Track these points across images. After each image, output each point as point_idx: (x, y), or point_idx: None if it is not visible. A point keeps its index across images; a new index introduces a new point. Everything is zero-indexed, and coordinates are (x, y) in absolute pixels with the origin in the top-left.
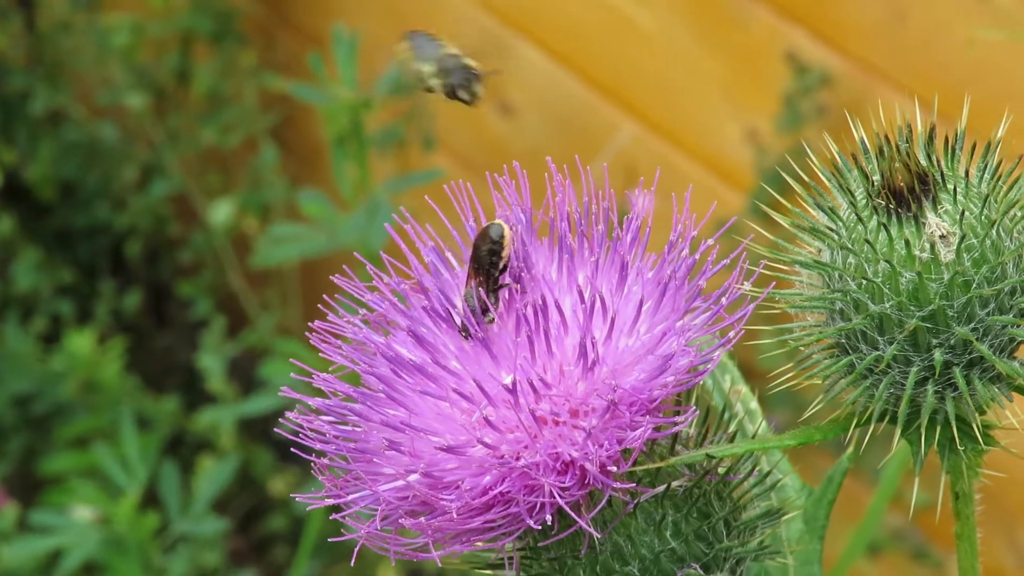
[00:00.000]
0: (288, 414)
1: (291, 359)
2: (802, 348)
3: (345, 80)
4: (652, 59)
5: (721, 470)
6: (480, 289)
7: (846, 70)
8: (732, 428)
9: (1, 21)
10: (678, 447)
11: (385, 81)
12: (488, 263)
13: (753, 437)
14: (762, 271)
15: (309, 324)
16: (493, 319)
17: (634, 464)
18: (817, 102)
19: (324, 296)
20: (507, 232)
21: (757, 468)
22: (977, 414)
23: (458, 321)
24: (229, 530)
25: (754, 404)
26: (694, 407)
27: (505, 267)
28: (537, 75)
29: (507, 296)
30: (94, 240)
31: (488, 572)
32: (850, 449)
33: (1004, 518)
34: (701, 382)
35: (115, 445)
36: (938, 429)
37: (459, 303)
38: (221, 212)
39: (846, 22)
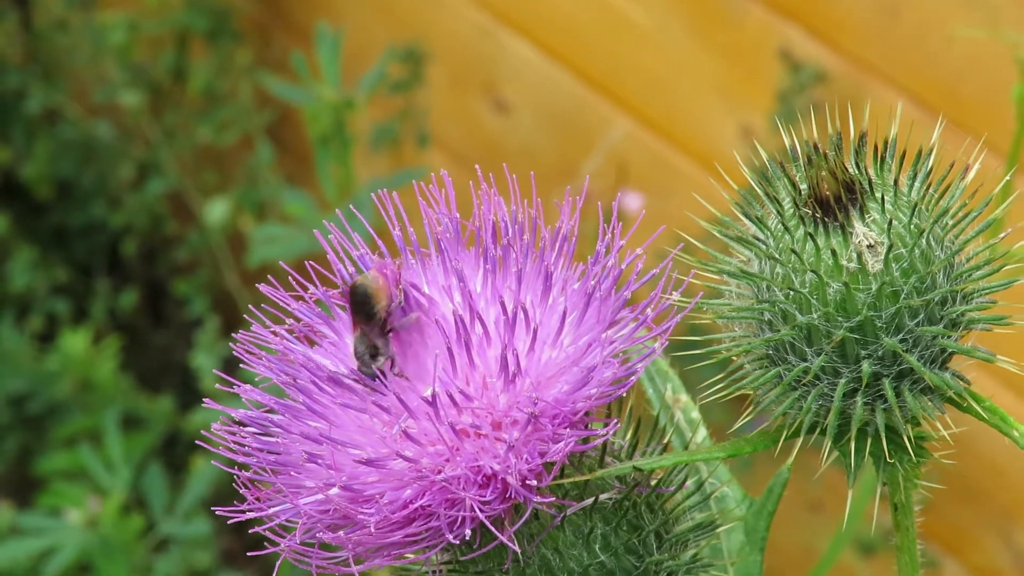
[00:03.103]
0: (213, 426)
1: (215, 370)
2: (734, 358)
3: (328, 79)
4: (646, 56)
5: (654, 482)
6: (368, 335)
7: (840, 66)
8: (669, 438)
9: None
10: (608, 459)
11: (369, 80)
12: (366, 314)
13: (686, 448)
14: (700, 282)
15: (232, 335)
16: (382, 364)
17: (560, 477)
18: (811, 99)
19: (250, 306)
20: (376, 285)
21: (692, 479)
22: (910, 426)
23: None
24: (224, 530)
25: (695, 414)
26: (616, 420)
27: (388, 313)
28: (531, 72)
29: (428, 305)
30: (90, 239)
31: None
32: (790, 460)
33: (999, 518)
34: (640, 391)
35: (103, 446)
36: (869, 441)
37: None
38: (217, 211)
39: (839, 18)
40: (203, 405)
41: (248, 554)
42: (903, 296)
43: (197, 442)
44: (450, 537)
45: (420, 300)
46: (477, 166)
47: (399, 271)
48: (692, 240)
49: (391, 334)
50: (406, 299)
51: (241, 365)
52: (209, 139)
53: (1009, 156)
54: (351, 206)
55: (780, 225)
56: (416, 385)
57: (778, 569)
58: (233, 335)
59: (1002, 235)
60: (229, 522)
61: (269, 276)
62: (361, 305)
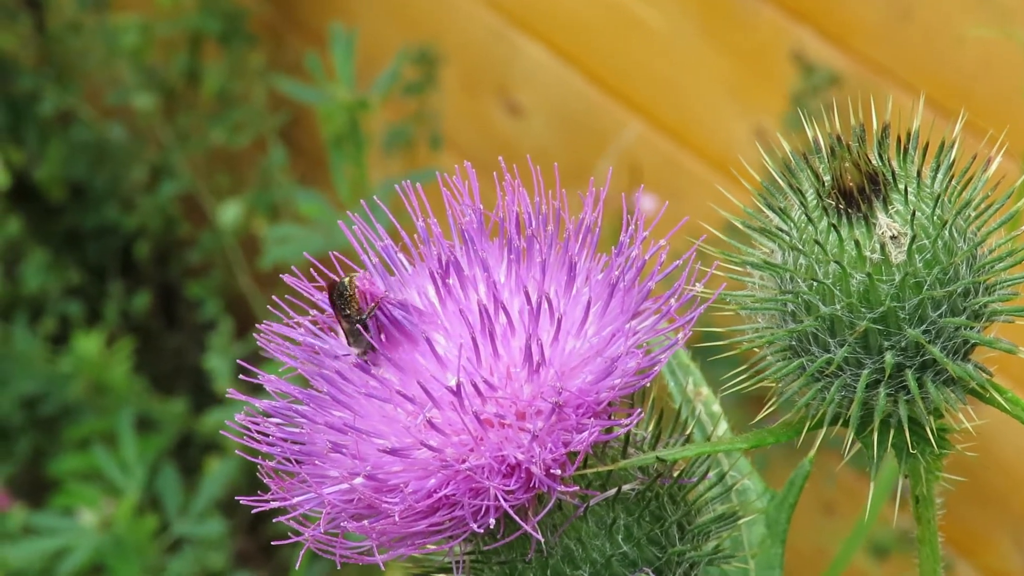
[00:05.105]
0: (237, 416)
1: (239, 359)
2: (756, 350)
3: (343, 79)
4: (659, 58)
5: (676, 473)
6: (345, 330)
7: (853, 69)
8: (691, 430)
9: (10, 22)
10: (631, 450)
11: (383, 80)
12: (343, 311)
13: (708, 439)
14: (724, 273)
15: (257, 325)
16: (361, 353)
17: (584, 467)
18: (825, 101)
19: (273, 297)
20: (352, 291)
21: (713, 471)
22: (932, 417)
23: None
24: (238, 531)
25: (716, 407)
26: (639, 409)
27: (359, 313)
28: (544, 75)
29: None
30: (103, 241)
31: None
32: (812, 452)
33: (1011, 520)
34: (661, 384)
35: (117, 447)
36: (891, 432)
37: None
38: (230, 213)
39: (852, 21)
40: (219, 405)
41: (275, 543)
42: (926, 287)
43: (221, 432)
44: (474, 526)
45: (399, 320)
46: (500, 157)
47: (374, 291)
48: (715, 231)
49: (365, 335)
50: (388, 318)
51: (264, 354)
52: (222, 141)
53: None
54: (381, 204)
55: (803, 216)
56: (440, 374)
57: (793, 570)
58: (256, 325)
59: (1022, 228)
60: (254, 511)
61: (293, 267)
62: (336, 301)
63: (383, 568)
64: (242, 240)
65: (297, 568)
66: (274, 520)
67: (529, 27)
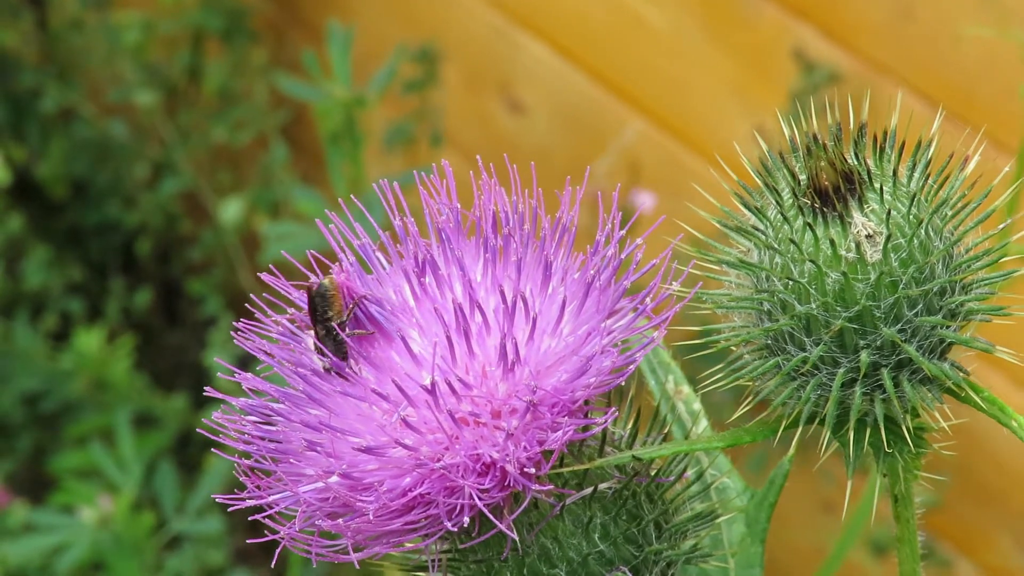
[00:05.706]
0: (215, 415)
1: (216, 358)
2: (733, 348)
3: (339, 77)
4: (661, 56)
5: (653, 471)
6: (319, 336)
7: (854, 67)
8: (669, 428)
9: (13, 19)
10: (608, 448)
11: (381, 77)
12: (321, 315)
13: (686, 438)
14: (701, 272)
15: (234, 324)
16: (329, 367)
17: (559, 466)
18: (825, 99)
19: (251, 295)
20: (332, 292)
21: (691, 470)
22: (909, 416)
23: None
24: (238, 528)
25: (697, 405)
26: (614, 408)
27: (339, 318)
28: (546, 72)
29: (426, 294)
30: (104, 238)
31: (419, 574)
32: (791, 451)
33: (1011, 518)
34: (641, 383)
35: (115, 445)
36: (868, 431)
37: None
38: (231, 210)
39: (854, 20)
40: (219, 402)
41: (250, 540)
42: (902, 286)
43: (198, 430)
44: (449, 525)
45: (375, 316)
46: (478, 156)
47: (354, 286)
48: (695, 232)
49: (342, 340)
50: (364, 314)
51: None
52: (224, 139)
53: (1020, 152)
54: (358, 202)
55: (779, 215)
56: (416, 373)
57: (793, 568)
58: (234, 324)
59: (1001, 226)
60: (230, 509)
61: (271, 266)
62: (314, 306)
63: (357, 566)
64: (243, 237)
65: (272, 567)
66: (249, 518)
67: (531, 25)
